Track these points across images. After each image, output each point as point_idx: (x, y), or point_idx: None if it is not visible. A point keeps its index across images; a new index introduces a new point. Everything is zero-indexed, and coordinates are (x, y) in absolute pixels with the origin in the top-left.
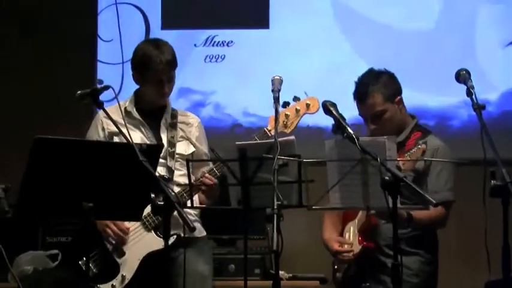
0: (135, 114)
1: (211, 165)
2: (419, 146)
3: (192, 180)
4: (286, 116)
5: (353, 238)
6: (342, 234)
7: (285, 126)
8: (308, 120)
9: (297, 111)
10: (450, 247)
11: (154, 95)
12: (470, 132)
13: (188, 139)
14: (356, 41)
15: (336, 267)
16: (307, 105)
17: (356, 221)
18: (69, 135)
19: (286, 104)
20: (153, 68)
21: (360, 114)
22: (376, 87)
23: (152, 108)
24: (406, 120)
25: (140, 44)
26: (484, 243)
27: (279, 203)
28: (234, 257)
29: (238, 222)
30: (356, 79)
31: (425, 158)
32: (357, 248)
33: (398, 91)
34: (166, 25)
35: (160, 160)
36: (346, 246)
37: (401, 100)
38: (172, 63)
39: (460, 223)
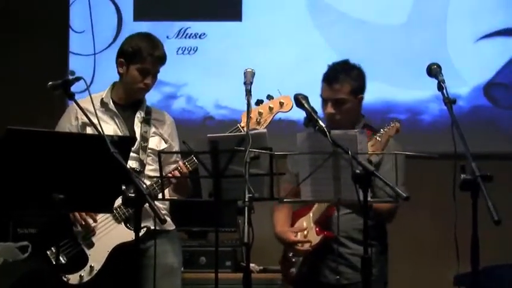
0: (111, 106)
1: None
2: (392, 124)
3: (164, 172)
4: (260, 113)
5: (308, 232)
6: None
7: (258, 123)
8: (280, 113)
9: (270, 109)
10: (421, 240)
11: (136, 85)
12: (441, 126)
13: (161, 135)
14: (329, 35)
15: (292, 260)
16: (281, 104)
17: (311, 214)
18: (49, 126)
19: (259, 102)
20: (144, 57)
21: (321, 95)
22: (348, 77)
23: (127, 103)
24: (359, 118)
25: (134, 35)
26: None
27: (250, 195)
28: (205, 249)
29: (210, 214)
30: (329, 64)
31: (394, 151)
32: (316, 239)
33: (363, 90)
34: (138, 17)
35: (133, 154)
36: (299, 235)
37: (362, 99)
38: (163, 60)
39: (430, 216)
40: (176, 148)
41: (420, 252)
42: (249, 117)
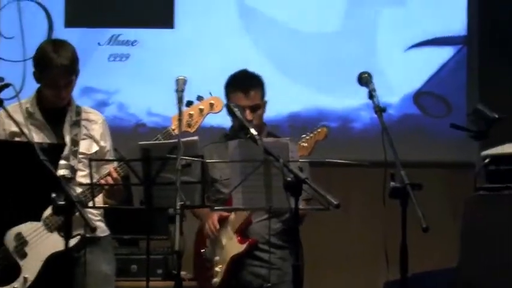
0: (38, 115)
1: (115, 165)
2: (319, 130)
3: (95, 180)
4: (190, 115)
5: (226, 241)
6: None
7: (189, 125)
8: (212, 120)
9: (201, 110)
10: (351, 247)
11: (51, 98)
12: (371, 134)
13: (92, 137)
14: (261, 42)
15: (211, 270)
16: (211, 105)
17: (228, 224)
18: None
19: (189, 103)
20: (50, 71)
21: (236, 103)
22: (258, 83)
23: (55, 107)
24: (263, 125)
25: (43, 43)
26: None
27: (182, 203)
28: (137, 257)
29: (141, 222)
30: (232, 75)
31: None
32: (240, 247)
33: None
34: (69, 23)
35: (63, 161)
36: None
37: (266, 103)
38: (69, 69)
39: (361, 224)
40: (108, 148)
41: (350, 259)
42: (181, 126)
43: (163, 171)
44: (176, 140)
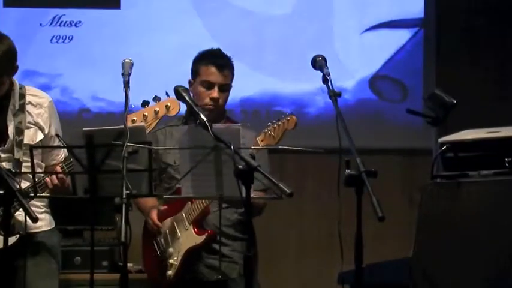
0: None
1: (63, 155)
2: (288, 118)
3: (43, 168)
4: (144, 116)
5: (181, 232)
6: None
7: None
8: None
9: (156, 112)
10: (305, 237)
11: None
12: (326, 119)
13: (36, 124)
14: (212, 25)
15: (166, 262)
16: (167, 107)
17: (183, 214)
18: None
19: (145, 104)
20: None
21: (206, 80)
22: (231, 65)
23: None
24: (224, 109)
25: None
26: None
27: (128, 192)
28: (80, 248)
29: (85, 212)
30: (206, 51)
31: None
32: (198, 239)
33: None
34: (8, 3)
35: (5, 154)
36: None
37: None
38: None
39: (315, 213)
40: (52, 134)
41: (304, 249)
42: (126, 110)
43: (108, 158)
44: (122, 126)
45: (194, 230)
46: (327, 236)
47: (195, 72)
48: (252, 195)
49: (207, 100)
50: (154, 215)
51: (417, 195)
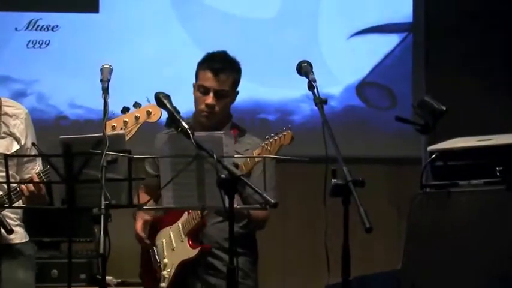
0: None
1: (38, 168)
2: (285, 133)
3: (18, 179)
4: (125, 122)
5: (176, 244)
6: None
7: None
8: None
9: (137, 118)
10: (291, 249)
11: None
12: (312, 127)
13: (12, 134)
14: (194, 29)
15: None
16: (148, 113)
17: (179, 225)
18: None
19: (125, 110)
20: None
21: (201, 84)
22: (232, 69)
23: None
24: (228, 115)
25: None
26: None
27: (107, 202)
28: (58, 261)
29: (63, 223)
30: (209, 53)
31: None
32: (192, 252)
33: (239, 84)
34: None
35: None
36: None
37: (237, 94)
38: None
39: (301, 224)
40: (28, 146)
41: (288, 262)
42: (105, 116)
43: (86, 167)
44: (101, 134)
45: (189, 242)
46: (312, 247)
47: (195, 75)
48: (235, 206)
49: (203, 106)
50: (138, 224)
51: (406, 205)
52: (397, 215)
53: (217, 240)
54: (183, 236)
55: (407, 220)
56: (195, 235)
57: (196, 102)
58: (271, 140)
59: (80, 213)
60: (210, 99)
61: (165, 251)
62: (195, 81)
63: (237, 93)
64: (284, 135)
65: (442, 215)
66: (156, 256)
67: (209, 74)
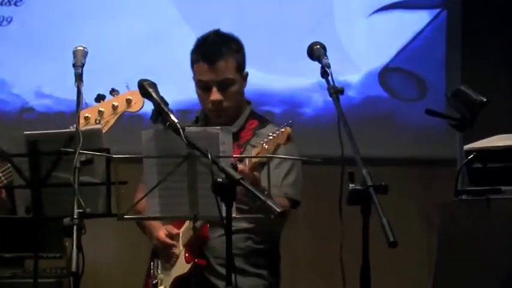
0: None
1: None
2: (282, 129)
3: None
4: (100, 113)
5: (176, 258)
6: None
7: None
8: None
9: (114, 108)
10: (301, 263)
11: None
12: (325, 122)
13: None
14: (185, 6)
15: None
16: (128, 101)
17: (180, 233)
18: None
19: (100, 98)
20: None
21: (199, 80)
22: (230, 50)
23: None
24: (243, 103)
25: None
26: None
27: (81, 211)
28: (21, 281)
29: (27, 235)
30: (199, 38)
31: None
32: (186, 267)
33: (245, 64)
34: None
35: None
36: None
37: (247, 76)
38: None
39: (311, 233)
40: None
41: (301, 277)
42: (79, 107)
43: (56, 169)
44: (73, 129)
45: (185, 254)
46: (325, 262)
47: (191, 68)
48: (234, 215)
49: (209, 105)
50: (161, 232)
51: (437, 214)
52: (427, 227)
53: (223, 255)
54: (181, 247)
55: (439, 233)
56: (193, 247)
57: (200, 101)
58: (270, 137)
59: (49, 223)
60: (214, 94)
61: (164, 264)
62: (193, 76)
63: (246, 75)
64: (282, 131)
65: (480, 226)
66: (153, 270)
67: (204, 66)
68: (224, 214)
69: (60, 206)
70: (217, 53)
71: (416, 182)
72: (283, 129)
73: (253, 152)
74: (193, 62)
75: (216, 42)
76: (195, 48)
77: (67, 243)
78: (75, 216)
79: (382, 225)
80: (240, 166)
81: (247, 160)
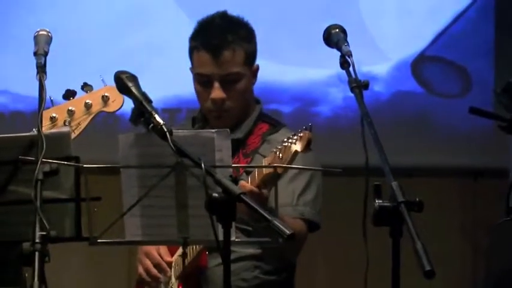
0: None
1: None
2: (301, 135)
3: None
4: (70, 112)
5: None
6: None
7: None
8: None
9: (88, 106)
10: None
11: None
12: (346, 124)
13: None
14: None
15: None
16: (104, 99)
17: (173, 262)
18: None
19: (70, 95)
20: None
21: (199, 73)
22: (239, 38)
23: None
24: (251, 103)
25: None
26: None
27: (44, 233)
28: None
29: None
30: (201, 21)
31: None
32: None
33: (256, 56)
34: None
35: None
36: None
37: (257, 71)
38: None
39: (330, 258)
40: None
41: None
42: (42, 105)
43: (13, 182)
44: (35, 132)
45: None
46: None
47: (190, 57)
48: (233, 239)
49: (209, 104)
50: (147, 260)
51: (484, 236)
52: (472, 252)
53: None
54: (173, 279)
55: (486, 259)
56: (188, 280)
57: (198, 98)
58: (285, 144)
59: (4, 249)
60: (215, 91)
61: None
62: (191, 66)
63: (257, 69)
64: (300, 136)
65: None
66: None
67: (206, 56)
68: (221, 238)
69: (18, 227)
70: (222, 41)
71: (457, 197)
72: (301, 134)
73: (264, 163)
74: (192, 50)
75: (221, 28)
76: (195, 33)
77: (26, 274)
78: (36, 241)
79: (416, 251)
80: (242, 182)
81: (256, 173)
